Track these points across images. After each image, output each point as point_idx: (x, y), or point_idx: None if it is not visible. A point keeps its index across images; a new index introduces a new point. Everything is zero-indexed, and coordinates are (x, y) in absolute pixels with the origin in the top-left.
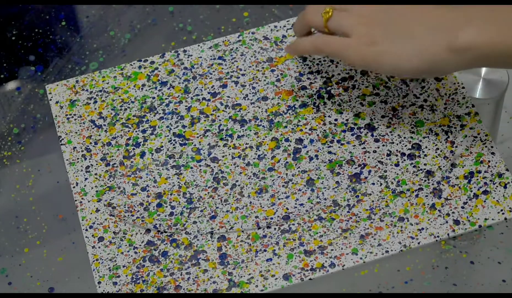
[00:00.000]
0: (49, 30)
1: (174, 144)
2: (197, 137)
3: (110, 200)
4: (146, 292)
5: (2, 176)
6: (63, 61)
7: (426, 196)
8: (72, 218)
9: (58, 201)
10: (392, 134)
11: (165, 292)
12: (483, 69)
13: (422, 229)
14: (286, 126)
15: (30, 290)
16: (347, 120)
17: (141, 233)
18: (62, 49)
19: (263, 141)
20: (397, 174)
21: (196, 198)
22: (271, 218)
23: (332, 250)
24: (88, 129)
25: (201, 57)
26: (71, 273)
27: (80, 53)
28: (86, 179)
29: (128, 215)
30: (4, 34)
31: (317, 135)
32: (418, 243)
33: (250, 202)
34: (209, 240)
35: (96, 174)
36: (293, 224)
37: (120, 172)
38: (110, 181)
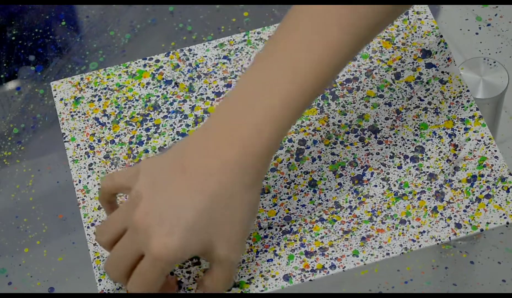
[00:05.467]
0: (49, 30)
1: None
2: None
3: None
4: None
5: (2, 176)
6: (63, 61)
7: (428, 198)
8: (72, 218)
9: (58, 201)
10: (395, 137)
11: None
12: (483, 69)
13: (424, 231)
14: None
15: (30, 290)
16: (350, 122)
17: None
18: (62, 49)
19: None
20: (400, 176)
21: None
22: (273, 219)
23: (333, 251)
24: (92, 127)
25: (206, 56)
26: (71, 273)
27: (80, 53)
28: (89, 176)
29: None
30: (4, 34)
31: (321, 136)
32: (419, 246)
33: None
34: None
35: (99, 172)
36: (295, 225)
37: (122, 161)
38: (112, 169)
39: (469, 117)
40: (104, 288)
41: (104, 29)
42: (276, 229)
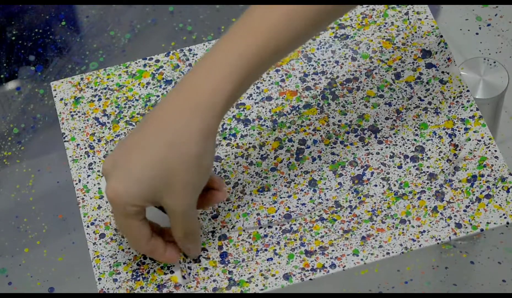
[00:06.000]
0: (49, 30)
1: None
2: None
3: None
4: (146, 290)
5: (2, 176)
6: (63, 61)
7: (429, 198)
8: (72, 218)
9: (58, 201)
10: (395, 137)
11: (165, 289)
12: (483, 69)
13: (424, 231)
14: (289, 127)
15: (30, 290)
16: (351, 121)
17: None
18: (62, 49)
19: (266, 141)
20: (400, 176)
21: None
22: (273, 216)
23: (333, 250)
24: (91, 127)
25: None
26: (71, 273)
27: (80, 53)
28: (88, 175)
29: None
30: (4, 34)
31: (321, 136)
32: (420, 246)
33: (252, 200)
34: (210, 239)
35: (98, 171)
36: (295, 224)
37: None
38: None
39: (469, 117)
40: (103, 287)
41: (104, 29)
42: (276, 228)
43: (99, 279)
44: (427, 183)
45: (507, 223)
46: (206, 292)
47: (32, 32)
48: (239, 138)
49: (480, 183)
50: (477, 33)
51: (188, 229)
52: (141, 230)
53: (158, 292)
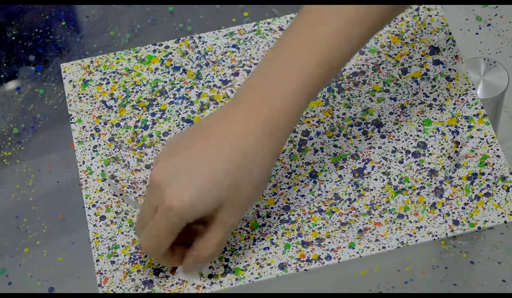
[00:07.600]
0: (49, 30)
1: (182, 129)
2: None
3: (114, 171)
4: (143, 273)
5: (2, 176)
6: (63, 61)
7: (428, 194)
8: (72, 218)
9: (58, 201)
10: (398, 132)
11: (161, 273)
12: (483, 69)
13: (421, 227)
14: None
15: (30, 290)
16: (355, 115)
17: None
18: (62, 49)
19: None
20: (401, 171)
21: None
22: (272, 208)
23: (329, 242)
24: (98, 109)
25: (215, 44)
26: (71, 273)
27: (80, 53)
28: (92, 157)
29: (131, 192)
30: (4, 34)
31: (324, 128)
32: (416, 241)
33: None
34: None
35: (102, 154)
36: (293, 215)
37: (126, 144)
38: (116, 152)
39: (474, 115)
40: (101, 269)
41: (104, 29)
42: (275, 218)
43: (97, 260)
44: (427, 179)
45: (505, 221)
46: (202, 278)
47: (32, 32)
48: None
49: (480, 181)
50: (477, 33)
51: (222, 245)
52: (171, 240)
53: (154, 275)
